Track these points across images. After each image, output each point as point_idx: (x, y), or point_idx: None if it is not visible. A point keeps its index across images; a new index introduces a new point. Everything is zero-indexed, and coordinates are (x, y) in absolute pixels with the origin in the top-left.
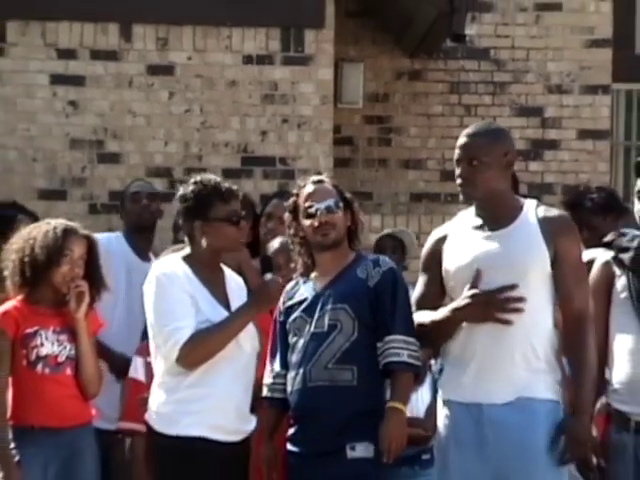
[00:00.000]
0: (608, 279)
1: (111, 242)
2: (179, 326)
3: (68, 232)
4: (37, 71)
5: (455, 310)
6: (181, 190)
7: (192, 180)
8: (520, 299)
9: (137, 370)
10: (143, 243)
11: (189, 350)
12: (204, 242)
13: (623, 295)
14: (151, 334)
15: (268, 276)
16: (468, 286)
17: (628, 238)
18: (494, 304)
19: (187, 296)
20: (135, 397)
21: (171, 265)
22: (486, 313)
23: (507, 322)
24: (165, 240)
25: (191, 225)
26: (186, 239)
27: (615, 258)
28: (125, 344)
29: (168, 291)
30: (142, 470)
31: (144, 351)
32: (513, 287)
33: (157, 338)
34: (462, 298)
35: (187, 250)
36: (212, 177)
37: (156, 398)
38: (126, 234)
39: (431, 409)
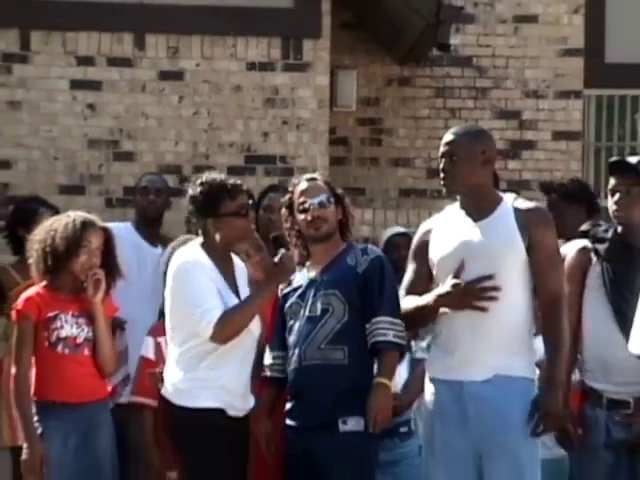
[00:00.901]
0: (583, 265)
1: (120, 230)
2: (209, 307)
3: (86, 224)
4: (58, 77)
5: (438, 296)
6: (190, 191)
7: (199, 181)
8: (495, 288)
9: (148, 349)
10: (151, 231)
11: (222, 327)
12: (217, 236)
13: (597, 282)
14: (170, 318)
15: (282, 251)
16: (451, 275)
17: (603, 229)
18: (472, 293)
19: (211, 281)
20: (145, 373)
21: (194, 254)
22: (465, 301)
23: (483, 309)
24: (177, 231)
25: (204, 222)
26: (200, 234)
27: (591, 247)
28: (138, 324)
29: (196, 276)
30: (151, 440)
31: (155, 332)
32: (490, 277)
33: (185, 320)
34: (444, 286)
35: (200, 239)
36: (217, 176)
37: (174, 376)
38: (135, 223)
39: (407, 384)
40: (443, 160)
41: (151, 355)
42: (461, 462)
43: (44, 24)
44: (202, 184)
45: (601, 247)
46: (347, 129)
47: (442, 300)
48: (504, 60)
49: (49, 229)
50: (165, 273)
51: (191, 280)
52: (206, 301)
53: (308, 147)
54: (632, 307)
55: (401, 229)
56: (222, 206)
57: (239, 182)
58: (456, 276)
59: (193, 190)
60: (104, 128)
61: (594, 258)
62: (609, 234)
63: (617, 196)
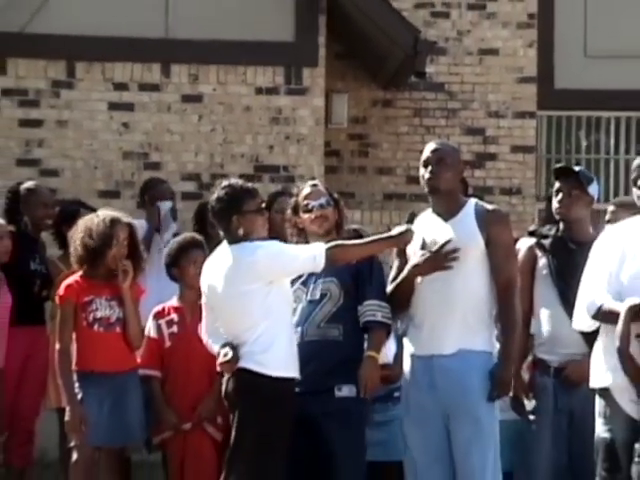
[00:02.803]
0: (532, 260)
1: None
2: (310, 249)
3: (114, 222)
4: (98, 100)
5: (412, 267)
6: (215, 194)
7: (222, 185)
8: (455, 250)
9: (150, 330)
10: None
11: (334, 252)
12: (240, 231)
13: (544, 272)
14: (251, 297)
15: (408, 226)
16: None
17: (547, 227)
18: (439, 257)
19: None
20: (149, 350)
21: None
22: (433, 265)
23: (448, 268)
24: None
25: (229, 220)
26: (221, 232)
27: (537, 243)
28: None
29: (280, 244)
30: (163, 402)
31: (158, 315)
32: (448, 242)
33: (301, 264)
34: (415, 258)
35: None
36: (237, 180)
37: (256, 351)
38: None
39: (397, 357)
40: (430, 164)
41: (154, 335)
42: (432, 422)
43: (86, 56)
44: (226, 187)
45: (546, 242)
46: (339, 143)
47: (416, 270)
48: (470, 86)
49: (84, 227)
50: (167, 265)
51: (279, 247)
52: (300, 247)
53: (307, 158)
54: (574, 291)
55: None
56: (245, 204)
57: (255, 186)
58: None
59: (219, 192)
60: (136, 142)
61: (540, 253)
62: (552, 231)
63: (560, 196)
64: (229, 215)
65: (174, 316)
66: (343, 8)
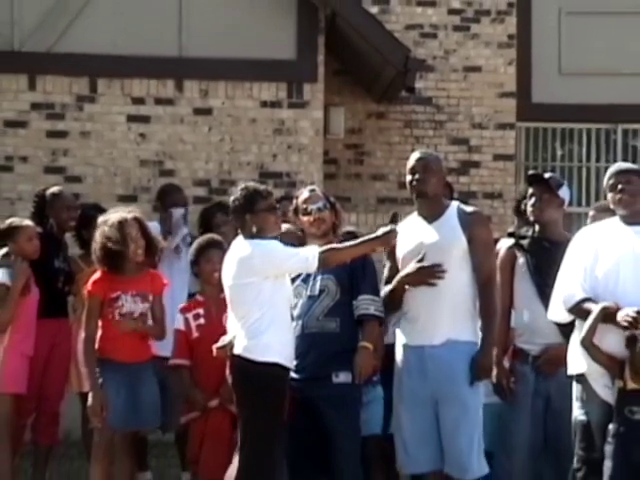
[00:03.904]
0: (511, 259)
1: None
2: (305, 251)
3: (122, 223)
4: (117, 113)
5: (402, 277)
6: (232, 196)
7: (239, 187)
8: (442, 271)
9: (179, 323)
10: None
11: (327, 255)
12: (254, 229)
13: (523, 270)
14: (248, 290)
15: (392, 226)
16: (414, 262)
17: (525, 229)
18: (427, 273)
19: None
20: (180, 342)
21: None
22: (421, 279)
23: (433, 284)
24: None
25: (243, 218)
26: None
27: (516, 244)
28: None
29: (277, 244)
30: (193, 390)
31: (185, 310)
32: (439, 265)
33: (294, 263)
34: (407, 269)
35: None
36: (251, 183)
37: (246, 339)
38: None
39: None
40: (417, 170)
41: (182, 327)
42: (422, 406)
43: (107, 73)
44: (242, 189)
45: (524, 242)
46: (337, 152)
47: (405, 279)
48: (456, 100)
49: (101, 233)
50: (192, 262)
51: (275, 246)
52: (296, 249)
53: (307, 166)
54: (551, 286)
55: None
56: (257, 204)
57: (269, 189)
58: (418, 262)
59: (235, 194)
60: (152, 151)
61: (519, 252)
62: (529, 232)
63: (533, 200)
64: (243, 214)
65: (200, 310)
66: (341, 29)
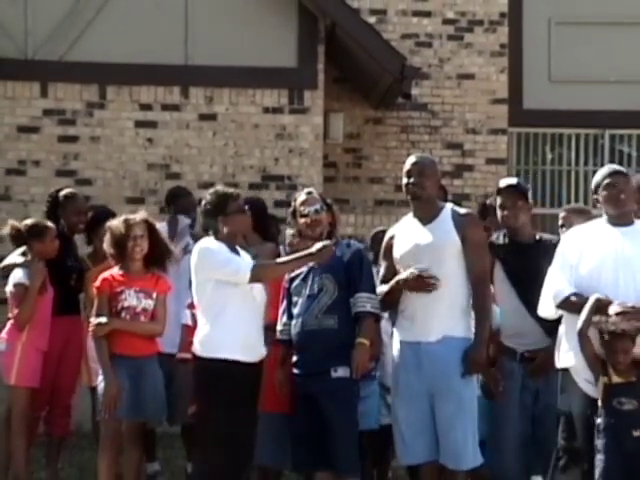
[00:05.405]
0: (490, 264)
1: None
2: (239, 263)
3: (128, 223)
4: (126, 118)
5: (398, 281)
6: (204, 199)
7: (210, 191)
8: (436, 278)
9: (187, 319)
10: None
11: (259, 270)
12: (225, 230)
13: (501, 274)
14: (199, 290)
15: (327, 242)
16: (413, 268)
17: (496, 236)
18: (421, 281)
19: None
20: (187, 336)
21: (211, 241)
22: (416, 285)
23: (428, 291)
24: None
25: (215, 220)
26: (211, 232)
27: (490, 250)
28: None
29: (218, 250)
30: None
31: (192, 306)
32: (435, 277)
33: (208, 286)
34: (404, 274)
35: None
36: (220, 187)
37: (201, 335)
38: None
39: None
40: (413, 174)
41: (190, 322)
42: (418, 399)
43: (116, 80)
44: (212, 193)
45: (499, 248)
46: (336, 156)
47: (403, 284)
48: (450, 106)
49: (110, 231)
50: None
51: (214, 252)
52: (233, 260)
53: (308, 169)
54: (529, 287)
55: (382, 228)
56: (228, 206)
57: (238, 191)
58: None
59: (206, 198)
60: (159, 155)
61: (495, 258)
62: (500, 240)
63: (506, 210)
64: (215, 216)
65: None
66: (340, 39)
